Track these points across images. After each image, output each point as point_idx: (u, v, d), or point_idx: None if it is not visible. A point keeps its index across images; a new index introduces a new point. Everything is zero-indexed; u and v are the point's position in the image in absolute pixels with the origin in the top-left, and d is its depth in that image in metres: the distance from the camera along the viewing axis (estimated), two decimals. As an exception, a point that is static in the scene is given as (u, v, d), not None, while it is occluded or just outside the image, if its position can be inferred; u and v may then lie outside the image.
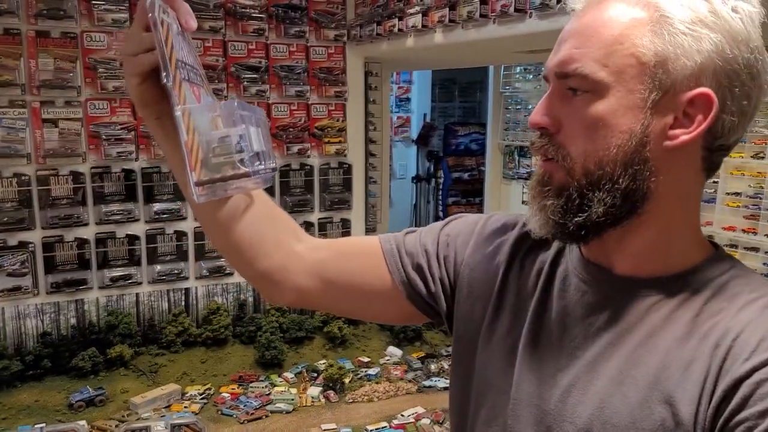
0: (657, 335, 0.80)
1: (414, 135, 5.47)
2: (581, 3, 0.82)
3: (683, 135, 0.78)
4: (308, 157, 3.15)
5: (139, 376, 2.77)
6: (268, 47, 3.02)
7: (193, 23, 0.90)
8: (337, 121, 3.18)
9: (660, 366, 0.78)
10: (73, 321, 2.80)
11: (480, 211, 5.21)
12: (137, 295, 2.92)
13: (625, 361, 0.81)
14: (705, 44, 0.75)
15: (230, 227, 1.00)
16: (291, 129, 3.09)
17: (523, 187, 4.10)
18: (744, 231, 3.04)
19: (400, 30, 2.74)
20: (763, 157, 2.98)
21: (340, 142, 3.18)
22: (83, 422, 2.45)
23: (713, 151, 0.80)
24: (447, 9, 2.45)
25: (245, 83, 2.97)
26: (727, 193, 3.12)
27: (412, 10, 2.64)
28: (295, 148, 3.10)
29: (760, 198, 2.99)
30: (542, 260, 0.96)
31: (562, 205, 0.82)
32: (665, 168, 0.79)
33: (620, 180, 0.79)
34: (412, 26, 2.65)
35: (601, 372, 0.83)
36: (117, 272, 2.87)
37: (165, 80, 0.80)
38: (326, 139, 3.15)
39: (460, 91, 5.90)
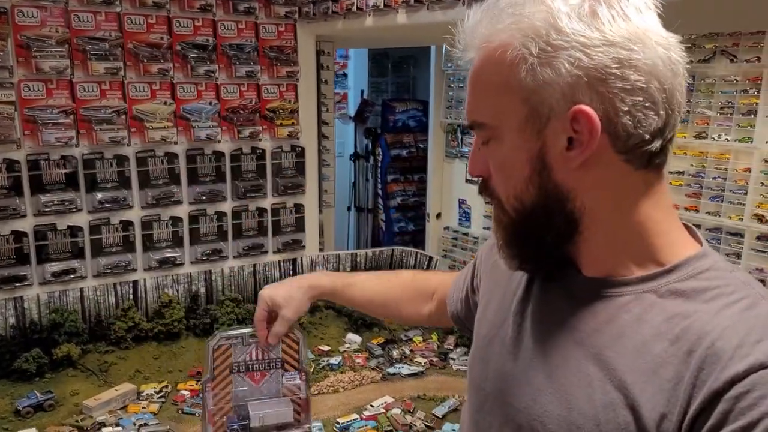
0: (626, 336, 0.81)
1: (351, 112, 5.38)
2: (470, 52, 0.86)
3: (579, 154, 0.80)
4: (260, 140, 3.03)
5: (89, 376, 2.61)
6: (215, 24, 2.85)
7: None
8: (289, 102, 3.06)
9: (626, 368, 0.79)
10: (12, 320, 2.60)
11: (419, 187, 5.20)
12: (82, 290, 2.74)
13: (594, 362, 0.82)
14: (562, 64, 0.77)
15: (367, 311, 1.68)
16: (241, 111, 2.95)
17: (467, 165, 4.10)
18: (686, 209, 3.16)
19: (358, 9, 2.66)
20: (705, 137, 3.10)
21: (292, 124, 3.07)
22: (33, 429, 2.29)
23: (631, 152, 0.81)
24: (413, -11, 2.38)
25: (192, 63, 2.81)
26: (670, 172, 3.23)
27: (373, -11, 2.56)
28: (247, 132, 2.96)
29: (702, 177, 3.11)
30: None
31: (513, 242, 0.90)
32: (585, 185, 0.82)
33: (539, 211, 0.84)
34: (373, 5, 2.57)
35: (571, 372, 0.84)
36: (59, 266, 2.68)
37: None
38: (278, 122, 3.03)
39: (393, 67, 5.83)
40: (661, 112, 0.79)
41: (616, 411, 0.78)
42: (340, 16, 2.79)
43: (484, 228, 3.99)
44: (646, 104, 0.78)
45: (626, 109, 0.78)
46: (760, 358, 0.71)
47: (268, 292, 1.36)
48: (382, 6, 2.52)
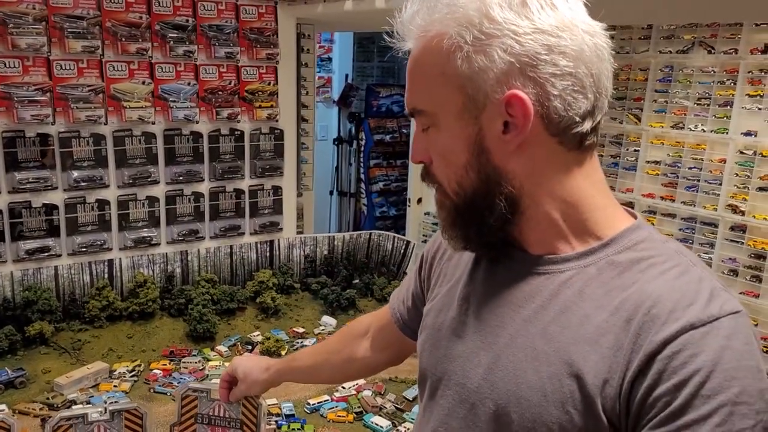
0: (569, 311, 0.85)
1: (335, 96, 5.37)
2: (407, 43, 0.89)
3: (514, 137, 0.84)
4: (238, 122, 3.02)
5: (61, 354, 2.62)
6: (195, 4, 2.84)
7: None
8: (269, 84, 3.06)
9: (570, 341, 0.82)
10: (-15, 298, 2.60)
11: (401, 172, 5.21)
12: (56, 268, 2.73)
13: (540, 337, 0.85)
14: (495, 52, 0.81)
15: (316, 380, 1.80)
16: (220, 92, 2.95)
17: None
18: (662, 198, 3.20)
19: (338, -8, 2.65)
20: (682, 127, 3.12)
21: (271, 106, 3.07)
22: (3, 406, 2.29)
23: (563, 134, 0.85)
24: (391, -26, 2.38)
25: (171, 43, 2.79)
26: (647, 161, 3.26)
27: (352, -27, 2.56)
28: (225, 113, 2.96)
29: (678, 167, 3.14)
30: None
31: (456, 223, 0.92)
32: (522, 167, 0.86)
33: (480, 193, 0.88)
34: (353, -11, 2.57)
35: (519, 349, 0.87)
36: (33, 244, 2.67)
37: None
38: (257, 104, 3.03)
39: (379, 51, 5.82)
40: (590, 95, 0.84)
41: (561, 381, 0.81)
42: (320, 0, 2.78)
43: (463, 214, 4.01)
44: (575, 88, 0.82)
45: (557, 93, 0.82)
46: (691, 320, 0.76)
47: (235, 361, 1.52)
48: (361, -11, 2.52)
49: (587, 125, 0.85)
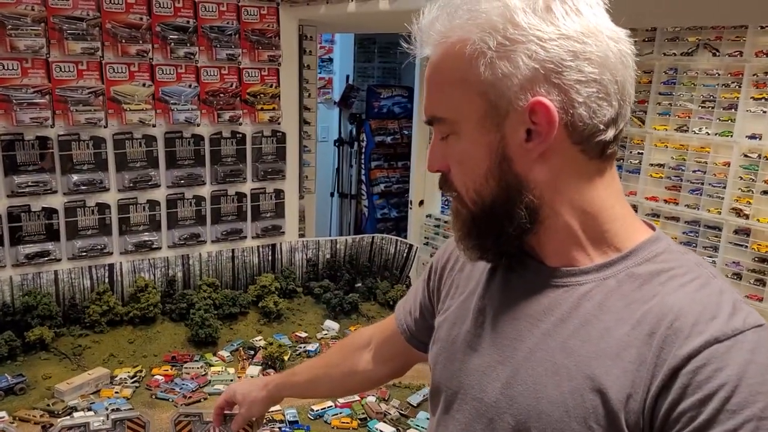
0: (590, 324, 0.83)
1: (336, 97, 5.34)
2: (426, 49, 0.87)
3: (537, 145, 0.82)
4: (240, 124, 2.99)
5: (62, 360, 2.59)
6: (196, 6, 2.81)
7: None
8: (271, 86, 3.03)
9: (592, 355, 0.81)
10: (-16, 303, 2.57)
11: (403, 174, 5.19)
12: (56, 272, 2.70)
13: (560, 351, 0.84)
14: (520, 58, 0.79)
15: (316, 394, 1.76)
16: (222, 95, 2.92)
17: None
18: (666, 201, 3.18)
19: (341, -6, 2.62)
20: (686, 130, 3.10)
21: (273, 109, 3.04)
22: (3, 413, 2.26)
23: (587, 142, 0.83)
24: (396, -24, 2.35)
25: (172, 45, 2.77)
26: (651, 164, 3.24)
27: (356, -25, 2.53)
28: (227, 116, 2.93)
29: (682, 170, 3.12)
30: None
31: (472, 233, 0.90)
32: (543, 176, 0.84)
33: (500, 202, 0.86)
34: (356, -9, 2.54)
35: (538, 363, 0.85)
36: (33, 248, 2.65)
37: None
38: (259, 106, 3.00)
39: (380, 52, 5.79)
40: (614, 102, 0.82)
41: (584, 396, 0.80)
42: (323, 1, 2.76)
43: (465, 217, 3.99)
44: (600, 95, 0.81)
45: (581, 100, 0.80)
46: (715, 334, 0.75)
47: (232, 386, 1.48)
48: (364, -9, 2.50)
49: (610, 133, 0.83)
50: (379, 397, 2.46)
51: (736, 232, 2.93)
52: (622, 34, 0.84)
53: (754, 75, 2.86)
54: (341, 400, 2.42)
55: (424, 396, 2.45)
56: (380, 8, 2.47)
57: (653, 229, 0.90)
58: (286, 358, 2.69)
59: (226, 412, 1.46)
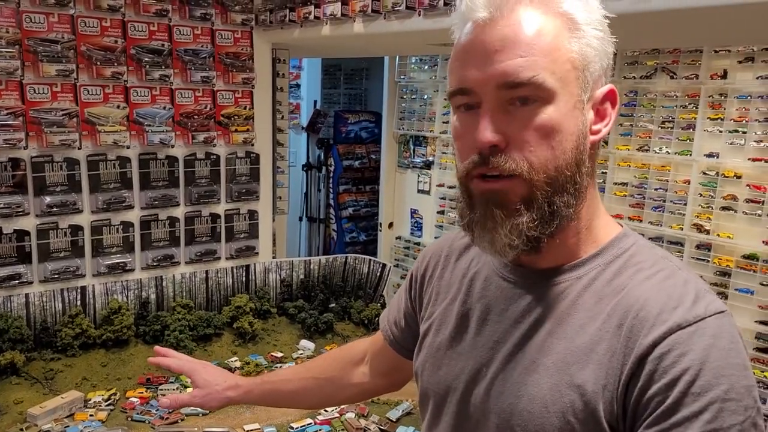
0: (564, 322, 0.87)
1: (304, 122, 5.39)
2: (485, 11, 0.82)
3: (603, 128, 0.88)
4: (214, 146, 3.01)
5: (33, 384, 2.54)
6: (171, 29, 2.84)
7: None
8: (244, 108, 3.06)
9: (567, 351, 0.85)
10: (-47, 327, 2.51)
11: (371, 198, 5.24)
12: (27, 295, 2.66)
13: (538, 350, 0.87)
14: (605, 45, 0.86)
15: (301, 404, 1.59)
16: (196, 116, 2.94)
17: (419, 176, 4.16)
18: (630, 218, 3.27)
19: (316, 17, 2.68)
20: (647, 150, 3.22)
21: (247, 130, 3.07)
22: (-26, 439, 2.21)
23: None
24: (370, -1, 2.42)
25: (147, 67, 2.78)
26: (615, 183, 3.35)
27: (330, -2, 2.59)
28: (201, 137, 2.95)
29: (645, 188, 3.23)
30: (464, 267, 1.04)
31: (536, 217, 0.84)
32: (589, 162, 0.88)
33: (577, 179, 0.85)
34: (330, 14, 2.61)
35: (519, 362, 0.89)
36: (3, 271, 2.60)
37: None
38: (233, 128, 3.03)
39: (345, 78, 5.88)
40: None
41: (561, 392, 0.83)
42: (296, 25, 2.81)
43: (435, 237, 4.04)
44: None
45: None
46: (678, 321, 0.78)
47: (196, 365, 1.37)
48: (339, 15, 2.56)
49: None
50: (359, 413, 2.46)
51: (698, 247, 3.03)
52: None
53: (709, 96, 2.99)
54: (320, 417, 2.43)
55: (403, 411, 2.47)
56: (355, 31, 2.53)
57: (620, 225, 0.95)
58: None
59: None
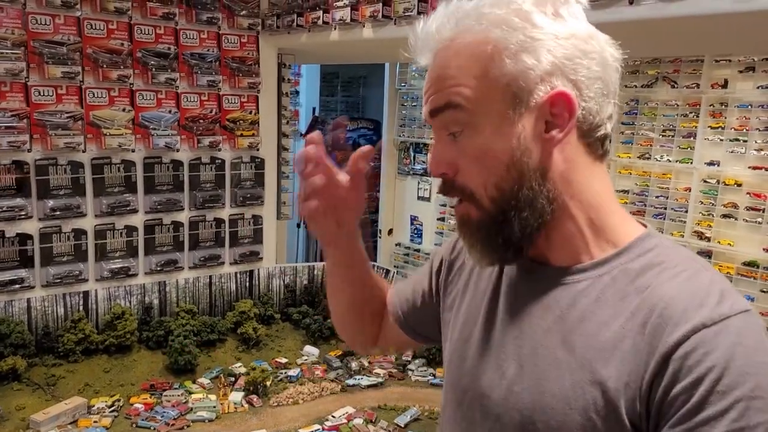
0: (587, 319, 0.87)
1: (303, 129, 5.38)
2: (423, 59, 0.89)
3: (558, 134, 0.86)
4: (219, 150, 3.00)
5: (35, 390, 2.51)
6: (177, 32, 2.83)
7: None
8: (250, 113, 3.05)
9: (590, 348, 0.84)
10: (-46, 332, 2.47)
11: (369, 204, 5.22)
12: (29, 300, 2.63)
13: (561, 346, 0.87)
14: (541, 52, 0.84)
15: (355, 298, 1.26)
16: (201, 121, 2.93)
17: (419, 182, 4.17)
18: (631, 226, 3.29)
19: (324, 22, 2.69)
20: (648, 158, 3.24)
21: (252, 135, 3.06)
22: (-23, 445, 2.18)
23: (591, 136, 0.88)
24: (380, 4, 2.43)
25: (153, 70, 2.77)
26: (616, 191, 3.36)
27: (339, 3, 2.60)
28: (206, 141, 2.94)
29: (646, 195, 3.25)
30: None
31: (487, 237, 0.90)
32: (557, 169, 0.87)
33: (522, 193, 0.87)
34: (340, 19, 2.61)
35: (541, 359, 0.89)
36: (5, 276, 2.57)
37: None
38: (238, 132, 3.02)
39: (343, 86, 5.89)
40: (612, 100, 0.88)
41: (584, 389, 0.83)
42: (304, 30, 2.81)
43: (435, 244, 4.04)
44: (605, 92, 0.87)
45: (591, 95, 0.86)
46: (702, 320, 0.78)
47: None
48: (348, 20, 2.56)
49: (609, 128, 0.90)
50: (367, 419, 2.45)
51: (698, 254, 3.05)
52: (609, 40, 0.90)
53: (710, 105, 3.02)
54: (328, 423, 2.41)
55: (411, 417, 2.46)
56: (364, 36, 2.53)
57: (645, 226, 0.94)
58: (268, 383, 2.67)
59: None
